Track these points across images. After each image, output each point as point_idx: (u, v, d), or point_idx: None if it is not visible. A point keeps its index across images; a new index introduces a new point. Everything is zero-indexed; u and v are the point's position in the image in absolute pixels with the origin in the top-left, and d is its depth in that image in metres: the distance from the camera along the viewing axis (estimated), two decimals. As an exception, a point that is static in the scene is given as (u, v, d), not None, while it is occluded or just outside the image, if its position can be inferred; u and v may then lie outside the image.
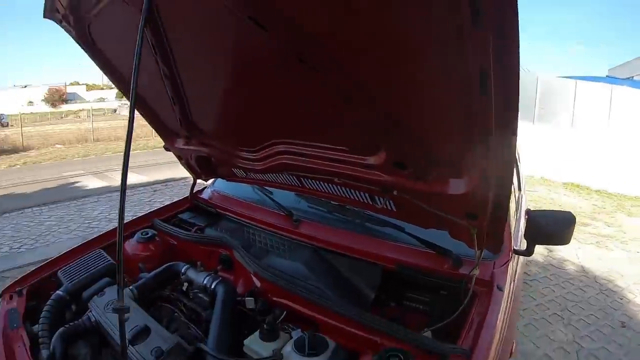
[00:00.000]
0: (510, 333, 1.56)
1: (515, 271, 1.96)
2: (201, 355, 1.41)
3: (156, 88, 1.75)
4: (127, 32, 1.42)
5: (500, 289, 1.58)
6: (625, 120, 10.42)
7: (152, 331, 1.44)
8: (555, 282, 4.42)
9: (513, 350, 1.68)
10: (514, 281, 1.85)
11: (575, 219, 1.85)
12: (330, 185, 1.68)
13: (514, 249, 1.90)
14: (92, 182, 9.57)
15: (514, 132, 1.01)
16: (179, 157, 2.34)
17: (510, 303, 1.66)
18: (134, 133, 1.06)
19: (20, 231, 5.95)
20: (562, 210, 2.18)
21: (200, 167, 2.29)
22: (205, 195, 2.60)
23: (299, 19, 1.05)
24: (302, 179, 1.76)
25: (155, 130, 2.22)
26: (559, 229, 1.81)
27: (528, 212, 1.89)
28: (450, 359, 1.27)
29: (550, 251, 5.20)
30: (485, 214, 1.33)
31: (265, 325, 1.46)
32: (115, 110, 62.26)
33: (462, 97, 1.00)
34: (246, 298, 1.68)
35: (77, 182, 9.83)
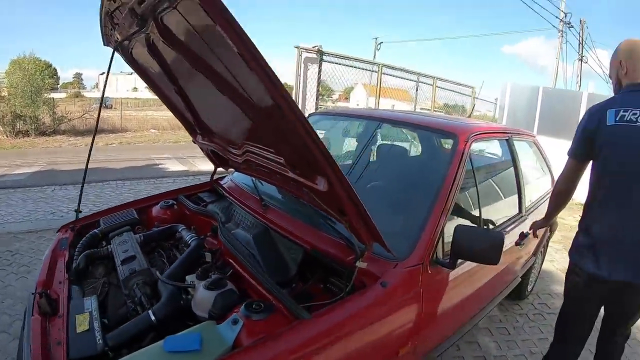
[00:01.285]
0: (391, 330, 1.69)
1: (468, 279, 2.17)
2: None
3: (177, 97, 2.25)
4: (148, 57, 1.94)
5: (384, 286, 1.66)
6: None
7: (136, 259, 2.00)
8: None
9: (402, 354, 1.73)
10: (444, 290, 2.00)
11: (502, 240, 1.82)
12: (277, 178, 1.99)
13: (434, 258, 1.90)
14: (174, 166, 10.37)
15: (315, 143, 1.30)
16: (201, 149, 2.85)
17: (413, 306, 1.76)
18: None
19: (101, 197, 6.71)
20: (492, 230, 2.28)
21: (215, 158, 2.76)
22: (223, 181, 3.06)
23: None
24: (262, 172, 2.12)
25: (184, 126, 2.74)
26: (483, 248, 1.81)
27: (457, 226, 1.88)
28: (296, 319, 1.47)
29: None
30: (349, 211, 1.50)
31: (199, 269, 1.86)
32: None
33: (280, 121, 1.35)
34: (206, 252, 2.12)
35: (161, 164, 10.69)
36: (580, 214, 2.15)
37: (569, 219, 6.81)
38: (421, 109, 10.30)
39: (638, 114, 1.84)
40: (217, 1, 1.04)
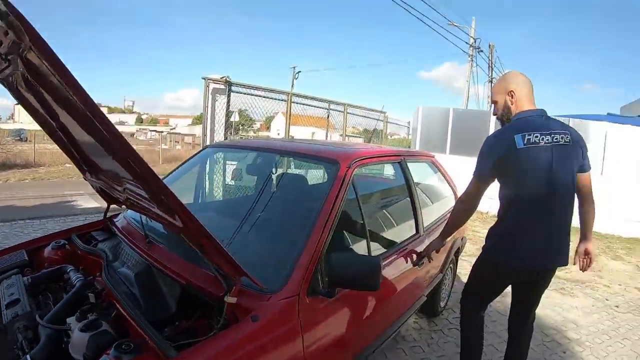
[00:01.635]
0: None
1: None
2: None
3: (60, 134, 2.15)
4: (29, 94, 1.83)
5: (255, 320, 1.63)
6: (621, 160, 10.40)
7: (20, 303, 1.92)
8: (492, 330, 4.04)
9: None
10: (320, 322, 1.92)
11: (379, 265, 1.84)
12: (153, 214, 1.92)
13: (313, 288, 1.87)
14: (87, 203, 9.91)
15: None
16: (92, 186, 2.74)
17: (291, 339, 1.72)
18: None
19: (8, 239, 6.27)
20: (368, 255, 2.30)
21: (105, 195, 2.70)
22: (117, 218, 2.98)
23: None
24: (141, 208, 2.05)
25: (73, 164, 2.58)
26: (360, 274, 1.82)
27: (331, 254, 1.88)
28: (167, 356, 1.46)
29: (502, 296, 5.09)
30: (206, 248, 1.54)
31: (78, 311, 1.81)
32: (132, 135, 64.04)
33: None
34: (90, 293, 2.03)
35: (74, 201, 10.24)
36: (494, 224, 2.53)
37: (484, 232, 7.04)
38: (340, 135, 10.54)
39: (539, 136, 2.27)
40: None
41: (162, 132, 45.54)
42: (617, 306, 5.22)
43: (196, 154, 3.34)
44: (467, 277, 2.85)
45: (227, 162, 5.01)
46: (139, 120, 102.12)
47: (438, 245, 2.85)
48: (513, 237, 2.37)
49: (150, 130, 69.04)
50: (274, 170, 2.90)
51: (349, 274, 1.82)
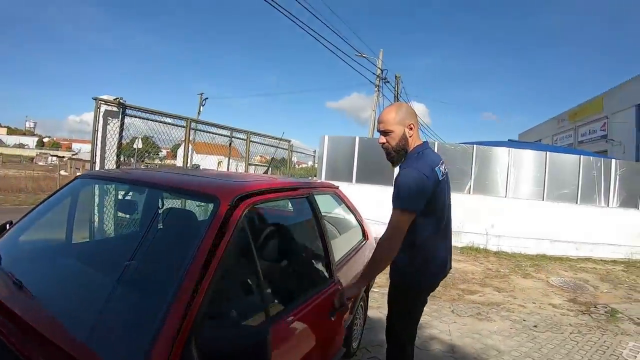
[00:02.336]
0: None
1: None
2: None
3: None
4: None
5: None
6: (523, 180, 10.95)
7: None
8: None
9: None
10: None
11: (265, 338, 1.43)
12: None
13: None
14: None
15: None
16: None
17: None
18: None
19: None
20: (252, 326, 1.85)
21: None
22: None
23: None
24: None
25: None
26: (241, 352, 1.41)
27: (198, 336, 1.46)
28: None
29: (420, 328, 4.90)
30: None
31: None
32: (32, 159, 59.80)
33: None
34: None
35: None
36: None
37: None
38: (248, 164, 10.11)
39: (442, 167, 2.48)
40: None
41: (62, 157, 42.61)
42: (535, 326, 5.23)
43: (65, 185, 2.79)
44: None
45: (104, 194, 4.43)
46: (40, 144, 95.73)
47: (355, 291, 2.54)
48: (433, 259, 2.52)
49: (51, 155, 64.64)
50: (142, 207, 2.47)
51: (228, 353, 1.40)
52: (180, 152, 9.61)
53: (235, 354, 1.40)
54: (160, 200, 2.46)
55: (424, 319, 5.01)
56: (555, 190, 10.90)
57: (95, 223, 4.32)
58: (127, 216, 2.71)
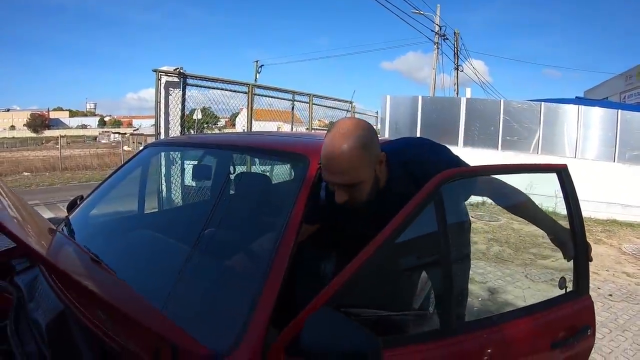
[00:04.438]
0: None
1: None
2: None
3: None
4: None
5: None
6: (594, 140, 10.41)
7: None
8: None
9: None
10: None
11: (376, 351, 1.06)
12: None
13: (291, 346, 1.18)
14: (42, 213, 9.15)
15: None
16: None
17: None
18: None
19: None
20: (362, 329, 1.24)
21: None
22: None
23: None
24: None
25: None
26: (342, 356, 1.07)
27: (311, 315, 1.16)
28: None
29: (495, 292, 4.76)
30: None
31: None
32: (95, 138, 62.44)
33: None
34: None
35: (26, 211, 9.52)
36: None
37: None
38: (306, 129, 9.97)
39: None
40: None
41: (124, 133, 44.18)
42: (610, 295, 4.99)
43: (135, 156, 2.74)
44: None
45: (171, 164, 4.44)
46: (102, 123, 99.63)
47: None
48: None
49: (113, 133, 67.20)
50: (232, 169, 2.25)
51: (331, 352, 1.08)
52: (238, 120, 9.58)
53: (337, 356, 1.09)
54: (241, 163, 2.39)
55: (498, 283, 4.97)
56: (627, 151, 10.21)
57: (164, 192, 4.40)
58: (201, 183, 2.64)
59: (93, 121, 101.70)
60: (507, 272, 5.37)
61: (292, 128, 9.41)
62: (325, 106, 10.47)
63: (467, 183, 1.72)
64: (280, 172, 3.29)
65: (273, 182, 2.50)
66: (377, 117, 13.87)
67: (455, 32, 21.98)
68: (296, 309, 1.21)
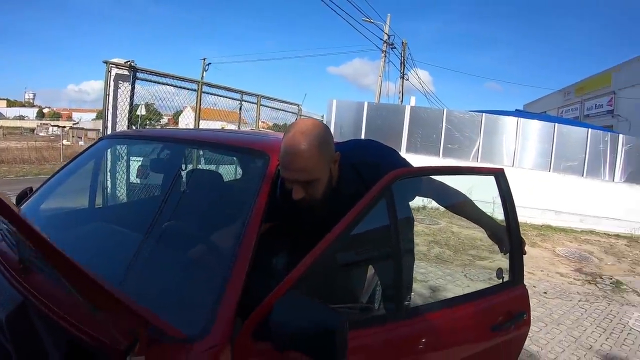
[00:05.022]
0: None
1: None
2: None
3: None
4: None
5: None
6: (531, 150, 11.05)
7: None
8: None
9: None
10: None
11: (341, 329, 1.13)
12: None
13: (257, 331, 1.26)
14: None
15: None
16: None
17: None
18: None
19: None
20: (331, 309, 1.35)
21: None
22: None
23: None
24: None
25: None
26: (311, 336, 1.15)
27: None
28: None
29: (436, 290, 4.99)
30: (84, 292, 1.13)
31: None
32: (33, 130, 59.61)
33: None
34: None
35: None
36: None
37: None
38: (251, 129, 9.84)
39: None
40: None
41: (64, 127, 42.43)
42: (545, 292, 5.36)
43: (89, 147, 2.65)
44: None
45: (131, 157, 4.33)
46: (40, 114, 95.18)
47: None
48: None
49: (52, 126, 64.27)
50: (184, 166, 2.24)
51: (298, 332, 1.16)
52: (182, 119, 9.36)
53: (306, 336, 1.16)
54: (198, 159, 2.41)
55: (438, 282, 5.19)
56: (562, 162, 10.91)
57: (110, 187, 4.27)
58: (148, 179, 2.60)
59: (31, 112, 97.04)
60: (447, 272, 5.63)
61: (239, 128, 9.27)
62: (272, 107, 10.38)
63: (414, 183, 1.87)
64: (225, 173, 3.28)
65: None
66: (322, 120, 14.01)
67: (403, 42, 22.54)
68: (251, 301, 1.28)
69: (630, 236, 10.33)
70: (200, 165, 2.70)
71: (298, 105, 11.30)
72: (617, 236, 10.18)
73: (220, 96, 8.12)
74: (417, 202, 2.15)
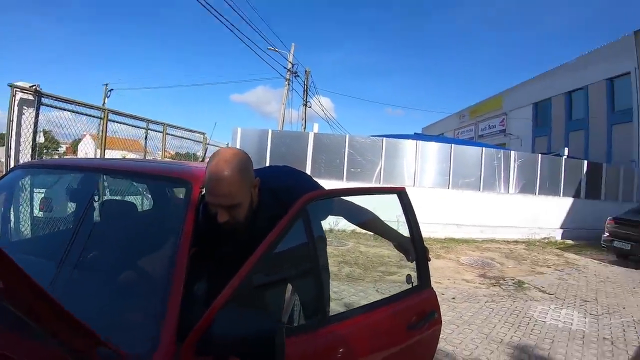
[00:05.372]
0: None
1: None
2: None
3: None
4: None
5: None
6: (430, 170, 11.81)
7: None
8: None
9: None
10: None
11: (282, 330, 1.32)
12: None
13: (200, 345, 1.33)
14: None
15: None
16: None
17: None
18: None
19: None
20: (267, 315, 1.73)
21: None
22: None
23: None
24: None
25: None
26: (252, 343, 1.30)
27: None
28: None
29: (351, 306, 5.18)
30: (42, 314, 1.10)
31: None
32: None
33: None
34: None
35: None
36: None
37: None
38: (153, 158, 9.56)
39: None
40: None
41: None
42: (453, 298, 5.76)
43: (1, 178, 2.56)
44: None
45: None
46: None
47: None
48: None
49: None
50: (99, 197, 2.25)
51: (239, 339, 1.31)
52: (81, 147, 8.91)
53: (246, 343, 1.32)
54: (114, 189, 2.42)
55: (352, 299, 5.36)
56: (459, 179, 11.78)
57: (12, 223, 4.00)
58: (76, 205, 2.55)
59: None
60: (359, 289, 5.85)
61: (145, 157, 8.85)
62: (178, 136, 10.08)
63: (327, 204, 2.08)
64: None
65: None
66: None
67: (306, 70, 22.86)
68: (187, 321, 1.38)
69: (527, 241, 11.58)
70: (108, 196, 2.68)
71: (204, 134, 11.20)
72: (516, 242, 11.28)
73: (127, 124, 7.84)
74: (325, 224, 2.32)
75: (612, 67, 18.41)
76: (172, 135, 9.69)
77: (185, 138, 10.48)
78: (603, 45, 19.44)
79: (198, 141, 10.94)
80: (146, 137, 8.68)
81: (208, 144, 11.64)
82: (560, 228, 12.92)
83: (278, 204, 1.82)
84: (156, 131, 9.03)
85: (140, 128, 8.51)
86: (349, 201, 2.15)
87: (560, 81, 21.85)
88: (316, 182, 2.06)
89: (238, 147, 11.33)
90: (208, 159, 1.73)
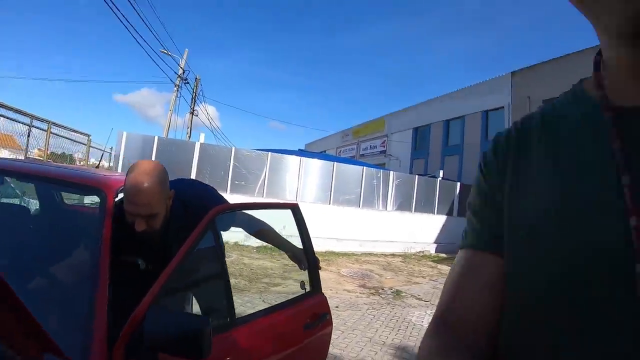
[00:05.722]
0: None
1: None
2: None
3: None
4: None
5: None
6: (312, 186, 12.28)
7: None
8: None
9: None
10: None
11: (208, 326, 1.42)
12: None
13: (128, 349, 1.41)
14: None
15: None
16: None
17: None
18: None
19: None
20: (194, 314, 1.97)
21: None
22: None
23: None
24: None
25: None
26: (181, 338, 1.40)
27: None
28: None
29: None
30: None
31: None
32: None
33: None
34: None
35: None
36: None
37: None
38: (26, 157, 8.78)
39: None
40: None
41: None
42: (337, 306, 6.12)
43: None
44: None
45: None
46: None
47: None
48: None
49: None
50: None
51: (170, 337, 1.39)
52: None
53: (176, 339, 1.39)
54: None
55: (241, 309, 5.43)
56: (340, 195, 12.36)
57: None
58: None
59: None
60: (246, 300, 5.99)
61: (26, 155, 8.32)
62: (61, 136, 9.56)
63: (230, 216, 2.32)
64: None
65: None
66: (111, 153, 13.19)
67: (196, 78, 22.03)
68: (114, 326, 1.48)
69: (404, 254, 12.54)
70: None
71: (88, 136, 10.61)
72: (393, 255, 12.14)
73: (7, 118, 7.26)
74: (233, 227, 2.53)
75: (488, 101, 20.15)
76: (56, 134, 9.17)
77: (68, 138, 9.88)
78: (483, 81, 21.23)
79: (79, 142, 10.30)
80: (29, 135, 8.17)
81: (91, 146, 11.00)
82: (435, 243, 14.18)
83: (187, 215, 1.98)
84: (40, 129, 8.51)
85: (24, 124, 7.95)
86: (248, 214, 2.40)
87: (440, 109, 23.57)
88: (221, 195, 2.23)
89: (122, 152, 10.86)
90: (127, 169, 1.81)
